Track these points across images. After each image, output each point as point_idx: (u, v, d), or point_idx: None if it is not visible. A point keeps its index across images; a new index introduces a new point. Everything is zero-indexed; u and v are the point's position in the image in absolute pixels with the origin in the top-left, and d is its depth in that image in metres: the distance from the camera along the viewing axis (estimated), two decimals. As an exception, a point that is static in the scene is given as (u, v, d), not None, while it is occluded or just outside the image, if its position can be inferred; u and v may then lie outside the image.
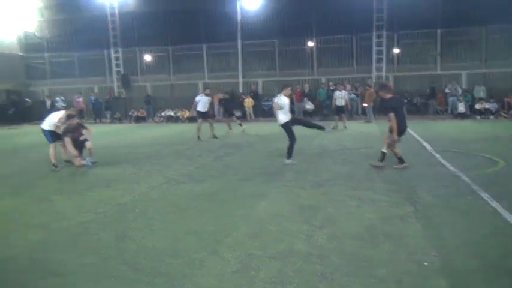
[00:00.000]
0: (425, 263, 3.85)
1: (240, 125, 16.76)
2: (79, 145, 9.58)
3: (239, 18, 24.27)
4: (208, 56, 25.77)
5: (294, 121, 9.55)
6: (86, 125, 10.46)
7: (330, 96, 20.38)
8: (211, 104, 22.17)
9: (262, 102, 23.78)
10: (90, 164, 9.51)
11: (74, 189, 7.60)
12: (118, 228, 5.18)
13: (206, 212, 5.75)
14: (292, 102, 22.47)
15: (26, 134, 17.96)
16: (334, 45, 23.83)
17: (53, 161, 9.49)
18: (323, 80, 23.52)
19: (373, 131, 14.71)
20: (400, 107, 8.30)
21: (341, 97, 16.75)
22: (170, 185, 7.59)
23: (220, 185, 7.38)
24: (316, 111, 22.31)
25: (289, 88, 9.59)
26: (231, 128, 16.42)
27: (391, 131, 8.09)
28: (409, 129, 8.98)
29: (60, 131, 9.60)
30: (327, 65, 24.21)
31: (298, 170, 8.52)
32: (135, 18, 25.72)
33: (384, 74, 22.59)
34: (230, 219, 5.39)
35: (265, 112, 23.50)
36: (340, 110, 16.85)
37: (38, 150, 11.71)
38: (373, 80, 22.00)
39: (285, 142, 9.34)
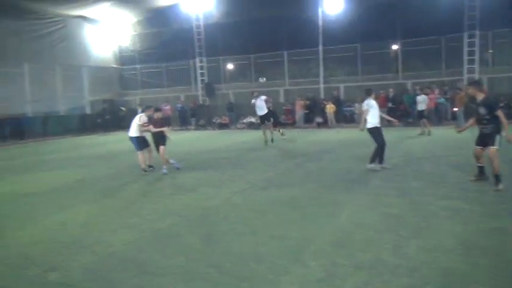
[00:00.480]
0: (530, 282, 3.50)
1: (280, 131, 15.42)
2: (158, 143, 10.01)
3: (320, 23, 24.09)
4: (289, 63, 25.90)
5: (379, 131, 9.15)
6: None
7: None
8: (293, 111, 22.19)
9: (344, 108, 23.33)
10: (166, 171, 9.85)
11: (163, 193, 7.98)
12: (203, 231, 5.35)
13: (288, 219, 5.74)
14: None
15: (119, 141, 19.26)
16: (420, 48, 22.67)
17: (142, 166, 10.09)
18: (409, 84, 22.51)
19: (464, 137, 13.73)
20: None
21: (421, 101, 16.19)
22: (252, 190, 7.70)
23: (302, 192, 7.34)
24: (400, 117, 21.41)
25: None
26: (271, 134, 15.03)
27: (489, 142, 6.85)
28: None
29: (146, 128, 10.11)
30: (412, 69, 23.15)
31: (382, 177, 8.22)
32: (219, 28, 26.64)
33: (476, 76, 21.06)
34: (313, 226, 5.33)
35: (347, 118, 23.06)
36: (421, 115, 16.17)
37: (130, 155, 12.49)
38: (464, 83, 20.63)
39: (366, 148, 9.07)
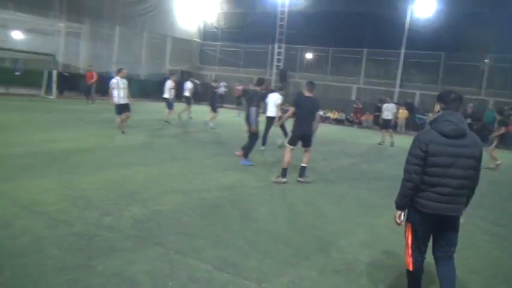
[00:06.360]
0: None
1: None
2: None
3: (407, 25, 23.35)
4: (367, 61, 25.42)
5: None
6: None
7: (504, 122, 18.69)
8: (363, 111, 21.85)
9: (417, 115, 22.58)
10: None
11: (218, 168, 8.37)
12: (245, 208, 5.73)
13: (328, 213, 5.95)
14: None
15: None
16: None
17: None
18: (490, 101, 21.29)
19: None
20: (303, 105, 7.53)
21: (389, 110, 15.49)
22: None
23: (350, 190, 7.49)
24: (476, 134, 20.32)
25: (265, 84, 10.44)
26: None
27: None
28: None
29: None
30: (499, 86, 21.77)
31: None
32: (302, 17, 26.70)
33: None
34: (349, 224, 5.52)
35: (418, 126, 22.33)
36: (387, 125, 15.62)
37: (198, 126, 13.12)
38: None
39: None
